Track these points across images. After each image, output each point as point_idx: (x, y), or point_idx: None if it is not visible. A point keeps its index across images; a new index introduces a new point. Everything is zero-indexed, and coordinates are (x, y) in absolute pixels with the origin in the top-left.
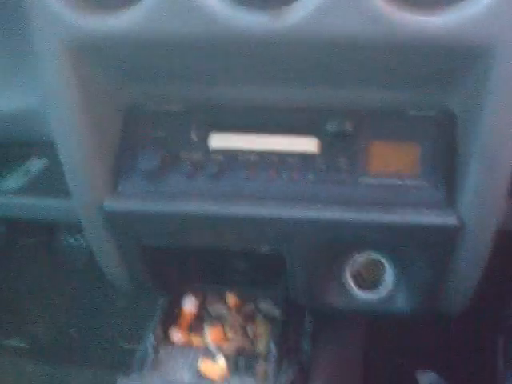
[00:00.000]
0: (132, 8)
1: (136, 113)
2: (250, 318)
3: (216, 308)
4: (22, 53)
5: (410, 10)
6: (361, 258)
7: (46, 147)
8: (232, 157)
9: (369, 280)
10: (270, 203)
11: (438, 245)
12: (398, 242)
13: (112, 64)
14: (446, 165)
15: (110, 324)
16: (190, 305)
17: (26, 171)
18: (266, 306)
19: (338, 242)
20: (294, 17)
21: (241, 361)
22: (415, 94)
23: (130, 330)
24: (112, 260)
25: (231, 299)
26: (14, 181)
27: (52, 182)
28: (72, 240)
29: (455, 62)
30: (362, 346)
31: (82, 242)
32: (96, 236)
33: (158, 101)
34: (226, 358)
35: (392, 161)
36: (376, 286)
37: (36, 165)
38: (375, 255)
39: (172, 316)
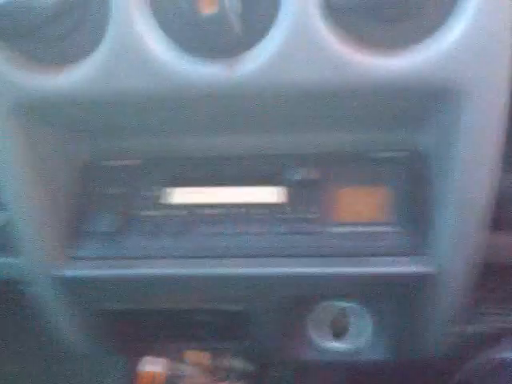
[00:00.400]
0: (80, 65)
1: (92, 169)
2: (217, 376)
3: (181, 368)
4: None
5: (369, 52)
6: (328, 308)
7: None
8: (195, 212)
9: (337, 329)
10: (237, 261)
11: (413, 293)
12: (370, 292)
13: (62, 122)
14: (418, 209)
15: None
16: (145, 366)
17: None
18: (238, 363)
19: (309, 295)
20: (248, 66)
21: None
22: (382, 136)
23: None
24: (67, 325)
25: (192, 356)
26: None
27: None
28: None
29: (420, 103)
30: None
31: None
32: (49, 302)
33: (114, 156)
34: None
35: (362, 207)
36: (344, 335)
37: None
38: (342, 304)
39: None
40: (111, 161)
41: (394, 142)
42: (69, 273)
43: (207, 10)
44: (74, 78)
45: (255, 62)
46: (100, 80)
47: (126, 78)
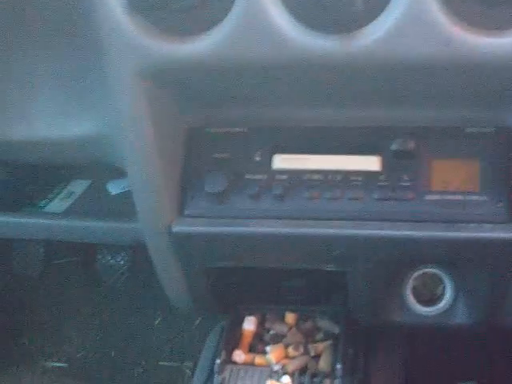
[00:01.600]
0: (207, 34)
1: (198, 135)
2: (310, 336)
3: (276, 327)
4: (93, 77)
5: (479, 31)
6: (421, 273)
7: (87, 168)
8: (296, 177)
9: (428, 295)
10: (335, 222)
11: (500, 260)
12: (460, 258)
13: (180, 89)
14: (506, 180)
15: (148, 343)
16: (250, 325)
17: (69, 193)
18: (324, 323)
19: (401, 259)
20: (366, 40)
21: (305, 379)
22: (474, 112)
23: (169, 349)
24: (176, 282)
25: (290, 318)
26: (58, 203)
27: (98, 203)
28: (110, 259)
29: None
30: (407, 359)
31: (120, 261)
32: (162, 258)
33: (220, 123)
34: (291, 376)
35: (453, 178)
36: (436, 301)
37: (79, 186)
38: (435, 270)
39: (234, 337)
40: (217, 127)
41: (483, 117)
42: (177, 228)
43: None
44: (201, 46)
45: (372, 36)
46: (225, 48)
47: (249, 47)
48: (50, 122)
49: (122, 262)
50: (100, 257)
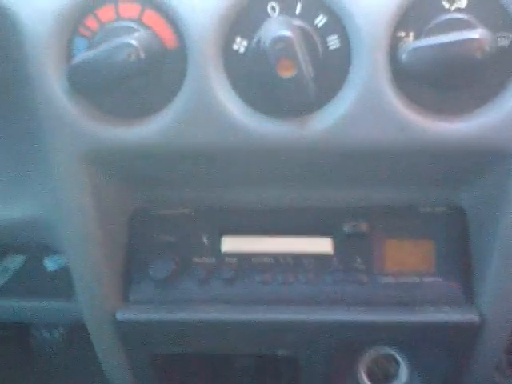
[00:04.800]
0: (154, 118)
1: (143, 217)
2: None
3: None
4: (32, 159)
5: (431, 117)
6: (375, 354)
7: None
8: (246, 260)
9: (383, 375)
10: (287, 307)
11: (457, 341)
12: (416, 340)
13: (126, 172)
14: (461, 261)
15: None
16: None
17: (3, 269)
18: None
19: (356, 341)
20: (318, 125)
21: None
22: (428, 192)
23: None
24: (119, 368)
25: None
26: None
27: (34, 280)
28: (46, 334)
29: (473, 165)
30: None
31: (58, 337)
32: (104, 345)
33: (166, 204)
34: None
35: (407, 259)
36: (390, 381)
37: (13, 262)
38: (389, 350)
39: None
40: (162, 209)
41: (436, 197)
42: (122, 316)
43: (286, 73)
44: (148, 130)
45: (325, 121)
46: (173, 133)
47: (198, 131)
48: None
49: (60, 339)
50: (35, 332)
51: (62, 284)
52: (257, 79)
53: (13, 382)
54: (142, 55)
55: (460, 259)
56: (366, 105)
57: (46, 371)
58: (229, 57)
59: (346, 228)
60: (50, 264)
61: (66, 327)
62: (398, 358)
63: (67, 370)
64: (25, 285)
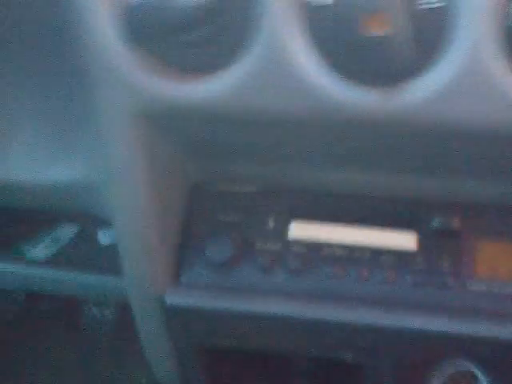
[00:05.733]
0: (220, 76)
1: (203, 193)
2: None
3: None
4: (81, 115)
5: None
6: (451, 368)
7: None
8: (316, 250)
9: None
10: (359, 307)
11: None
12: (503, 358)
13: (185, 137)
14: None
15: None
16: None
17: (55, 239)
18: None
19: (433, 354)
20: (414, 96)
21: None
22: None
23: None
24: (164, 358)
25: None
26: (42, 250)
27: (84, 252)
28: (96, 312)
29: None
30: None
31: (108, 315)
32: (150, 331)
33: (229, 180)
34: None
35: (502, 264)
36: None
37: (65, 232)
38: (468, 365)
39: None
40: (224, 185)
41: None
42: (171, 300)
43: (378, 30)
44: (211, 89)
45: (421, 93)
46: (240, 95)
47: (269, 95)
48: (29, 166)
49: (110, 317)
50: (85, 308)
51: (114, 259)
52: (343, 38)
53: (57, 358)
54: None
55: None
56: (470, 77)
57: (92, 351)
58: (311, 10)
59: (435, 222)
60: (103, 237)
61: (117, 307)
62: (479, 375)
63: (113, 352)
64: (74, 257)
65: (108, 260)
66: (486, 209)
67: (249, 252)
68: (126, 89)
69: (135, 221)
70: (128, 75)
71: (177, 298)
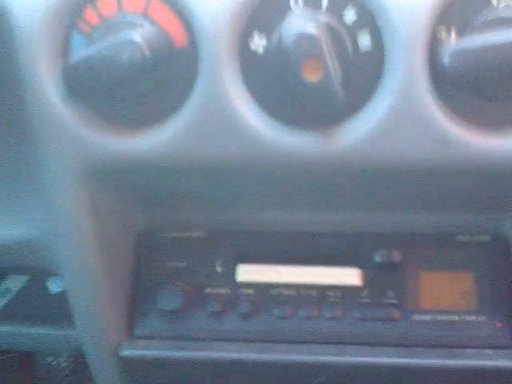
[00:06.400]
0: (161, 128)
1: (151, 241)
2: None
3: None
4: (26, 177)
5: (477, 131)
6: None
7: None
8: (264, 292)
9: None
10: (310, 346)
11: None
12: None
13: (130, 189)
14: (506, 297)
15: None
16: None
17: (3, 291)
18: None
19: None
20: (348, 138)
21: None
22: (467, 217)
23: None
24: None
25: None
26: None
27: (36, 303)
28: (51, 360)
29: None
30: None
31: (63, 362)
32: (106, 382)
33: (175, 226)
34: None
35: (445, 294)
36: None
37: (16, 282)
38: None
39: None
40: (171, 232)
41: (477, 224)
42: (126, 352)
43: (311, 76)
44: (153, 141)
45: (355, 134)
46: (181, 145)
47: (210, 144)
48: None
49: (64, 364)
50: (40, 358)
51: (66, 308)
52: (278, 84)
53: None
54: (148, 53)
55: (505, 295)
56: (402, 115)
57: None
58: (246, 58)
59: (377, 257)
60: (53, 286)
61: (72, 355)
62: None
63: None
64: (27, 308)
65: (60, 309)
66: (426, 239)
67: (199, 298)
68: (67, 145)
69: (84, 275)
70: (70, 132)
71: (131, 350)
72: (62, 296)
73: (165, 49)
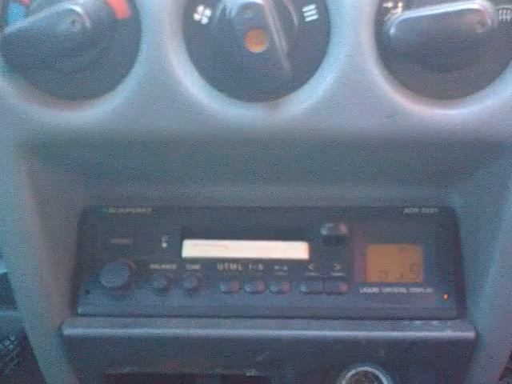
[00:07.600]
0: (102, 101)
1: (94, 217)
2: None
3: None
4: None
5: (423, 101)
6: (354, 373)
7: None
8: (210, 267)
9: None
10: (257, 321)
11: (447, 360)
12: (402, 358)
13: (67, 163)
14: (453, 269)
15: None
16: None
17: None
18: None
19: (334, 360)
20: (293, 109)
21: None
22: (415, 190)
23: None
24: None
25: None
26: None
27: None
28: None
29: (468, 158)
30: None
31: (8, 345)
32: (50, 362)
33: (120, 202)
34: None
35: (392, 266)
36: None
37: None
38: (371, 369)
39: None
40: (115, 208)
41: (424, 197)
42: (69, 331)
43: (255, 47)
44: (94, 114)
45: (300, 105)
46: (124, 118)
47: (153, 116)
48: None
49: (10, 347)
50: None
51: (8, 290)
52: (222, 54)
53: None
54: (88, 24)
55: (451, 267)
56: (348, 87)
57: None
58: (189, 28)
59: (324, 230)
60: None
61: (18, 337)
62: (382, 377)
63: (19, 381)
64: None
65: (3, 290)
66: (373, 212)
67: (144, 274)
68: (5, 119)
69: (25, 252)
70: (7, 105)
71: (74, 329)
72: (4, 277)
73: (106, 20)
